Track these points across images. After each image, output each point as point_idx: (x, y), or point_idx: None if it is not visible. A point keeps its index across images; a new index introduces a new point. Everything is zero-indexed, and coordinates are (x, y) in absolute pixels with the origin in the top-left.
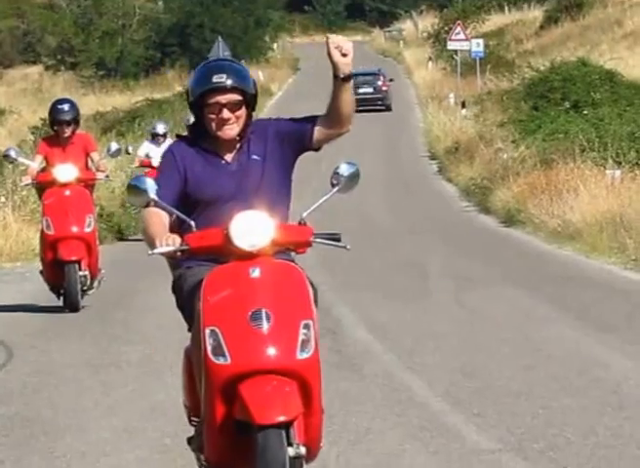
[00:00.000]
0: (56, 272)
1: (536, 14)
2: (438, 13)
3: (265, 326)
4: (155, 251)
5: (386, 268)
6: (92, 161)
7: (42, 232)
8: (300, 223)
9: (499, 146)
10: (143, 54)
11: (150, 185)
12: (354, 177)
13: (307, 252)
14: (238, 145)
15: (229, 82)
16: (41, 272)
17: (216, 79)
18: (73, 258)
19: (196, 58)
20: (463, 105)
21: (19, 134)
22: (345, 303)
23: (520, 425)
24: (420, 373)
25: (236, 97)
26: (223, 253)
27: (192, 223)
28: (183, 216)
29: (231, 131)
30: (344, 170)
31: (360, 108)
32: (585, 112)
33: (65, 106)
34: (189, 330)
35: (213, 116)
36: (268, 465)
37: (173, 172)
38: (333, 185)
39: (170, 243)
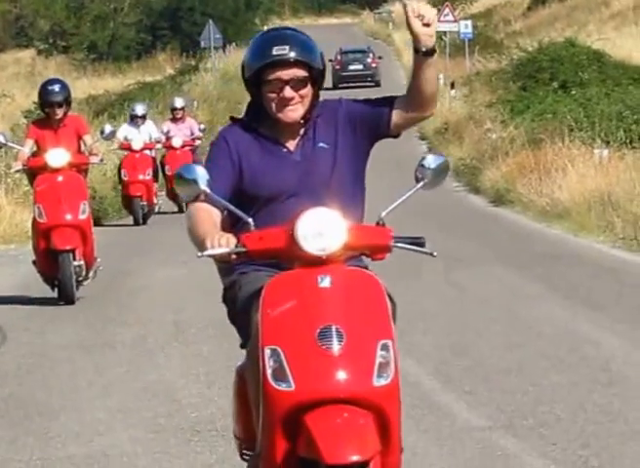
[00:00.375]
0: (49, 262)
1: None
2: None
3: (336, 346)
4: (206, 252)
5: None
6: (84, 144)
7: (34, 220)
8: (377, 224)
9: (487, 127)
10: (135, 37)
11: (201, 175)
12: (442, 171)
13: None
14: (302, 131)
15: (293, 54)
16: (34, 262)
17: (277, 51)
18: (67, 247)
19: (187, 42)
20: (452, 86)
21: (11, 117)
22: None
23: (510, 402)
24: (410, 352)
25: (301, 72)
26: (287, 257)
27: (250, 221)
28: (240, 213)
29: (294, 112)
30: (431, 162)
31: (351, 84)
32: (573, 92)
33: (56, 87)
34: (242, 346)
35: (273, 95)
36: None
37: (225, 161)
38: (417, 180)
39: (223, 243)
